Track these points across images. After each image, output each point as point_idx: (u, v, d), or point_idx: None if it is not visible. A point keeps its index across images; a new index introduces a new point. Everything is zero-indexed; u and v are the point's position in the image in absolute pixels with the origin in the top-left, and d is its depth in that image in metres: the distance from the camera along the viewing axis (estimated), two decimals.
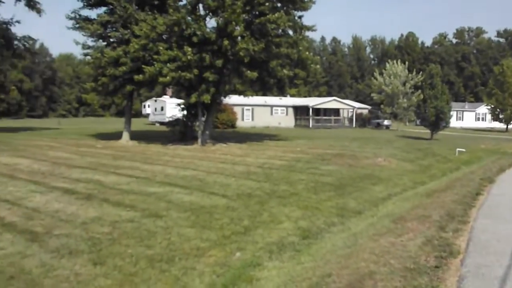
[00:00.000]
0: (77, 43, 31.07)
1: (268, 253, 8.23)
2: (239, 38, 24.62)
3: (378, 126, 59.76)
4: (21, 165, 17.76)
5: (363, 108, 66.24)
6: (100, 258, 7.64)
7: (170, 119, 35.25)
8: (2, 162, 18.88)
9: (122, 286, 6.68)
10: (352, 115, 62.05)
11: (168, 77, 24.36)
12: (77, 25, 30.32)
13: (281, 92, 31.36)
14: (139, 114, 75.14)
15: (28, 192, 12.62)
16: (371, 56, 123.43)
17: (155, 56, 24.79)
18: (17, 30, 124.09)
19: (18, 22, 50.90)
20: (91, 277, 6.88)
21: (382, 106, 59.59)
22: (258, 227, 9.72)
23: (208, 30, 25.02)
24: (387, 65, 59.10)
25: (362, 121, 62.41)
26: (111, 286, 6.63)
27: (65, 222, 9.56)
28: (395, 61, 59.21)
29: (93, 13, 68.63)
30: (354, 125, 60.57)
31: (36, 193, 12.43)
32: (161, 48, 24.64)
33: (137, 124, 44.47)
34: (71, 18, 30.67)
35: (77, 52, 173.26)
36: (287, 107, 59.33)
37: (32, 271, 7.02)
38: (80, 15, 30.65)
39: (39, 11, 48.97)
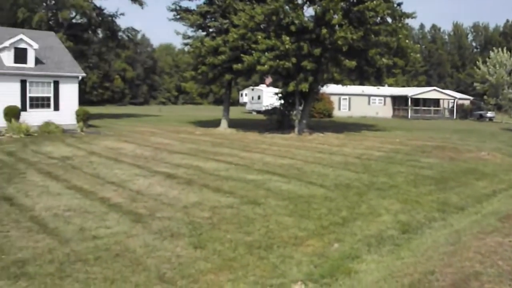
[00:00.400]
0: (177, 33, 32.31)
1: (367, 246, 8.01)
2: (337, 26, 24.23)
3: (481, 118, 56.60)
4: (125, 150, 18.70)
5: (465, 99, 63.10)
6: (200, 242, 7.79)
7: (267, 107, 35.50)
8: (108, 146, 19.98)
9: (221, 270, 6.76)
10: (453, 106, 59.34)
11: (266, 66, 24.50)
12: (178, 16, 31.35)
13: (379, 82, 30.56)
14: (236, 103, 76.45)
15: (132, 175, 13.26)
16: (473, 44, 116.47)
17: (254, 45, 24.99)
18: (121, 22, 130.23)
19: (122, 14, 53.64)
20: (191, 260, 7.02)
21: (485, 97, 56.29)
22: (356, 218, 9.50)
23: (306, 19, 24.85)
24: (491, 53, 55.42)
25: (464, 112, 59.47)
26: (210, 270, 6.73)
27: (167, 206, 9.89)
28: (500, 49, 55.48)
29: (192, 4, 70.44)
30: (454, 117, 57.92)
31: (139, 177, 13.02)
32: (259, 37, 24.79)
33: (235, 112, 45.34)
34: (172, 10, 31.75)
35: (177, 42, 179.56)
36: (385, 96, 57.81)
37: (136, 250, 7.29)
38: (180, 7, 31.64)
39: (141, 4, 51.20)
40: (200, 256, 7.21)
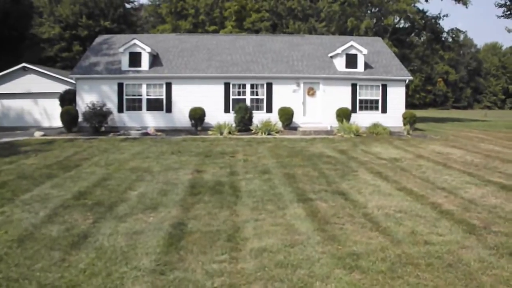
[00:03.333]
0: (509, 30, 29.85)
1: None
2: None
3: None
4: (453, 155, 18.00)
5: None
6: None
7: None
8: (435, 150, 19.58)
9: None
10: None
11: None
12: (508, 12, 29.01)
13: None
14: None
15: (462, 182, 12.60)
16: None
17: None
18: (444, 24, 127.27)
19: (445, 16, 52.18)
20: None
21: None
22: None
23: None
24: None
25: None
26: None
27: (504, 220, 9.02)
28: None
29: None
30: None
31: (471, 185, 12.28)
32: None
33: None
34: (500, 6, 29.50)
35: (504, 40, 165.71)
36: None
37: (470, 264, 6.82)
38: (511, 1, 29.17)
39: (465, 3, 48.99)
40: None
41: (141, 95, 28.33)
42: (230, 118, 27.33)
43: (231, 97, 28.63)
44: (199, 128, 27.10)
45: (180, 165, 15.05)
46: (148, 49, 28.39)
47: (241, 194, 10.93)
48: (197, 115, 26.97)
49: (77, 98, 28.31)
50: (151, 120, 28.19)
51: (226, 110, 28.49)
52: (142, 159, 16.44)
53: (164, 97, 28.44)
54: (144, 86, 28.32)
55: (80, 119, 27.00)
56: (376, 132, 25.89)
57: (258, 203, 10.06)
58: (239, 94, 28.71)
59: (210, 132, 25.80)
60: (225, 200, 10.31)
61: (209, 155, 17.35)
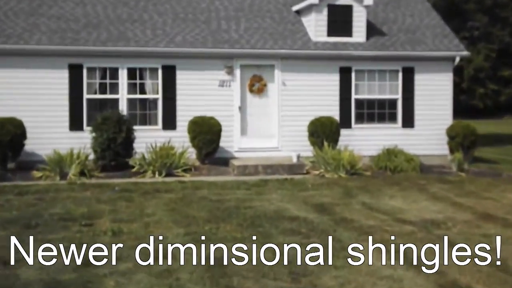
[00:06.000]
0: None
1: None
2: None
3: None
4: None
5: None
6: None
7: None
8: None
9: None
10: None
11: None
12: None
13: None
14: None
15: None
16: None
17: None
18: None
19: None
20: None
21: None
22: None
23: None
24: None
25: None
26: None
27: None
28: None
29: None
30: None
31: None
32: None
33: None
34: None
35: None
36: None
37: None
38: None
39: None
40: None
41: None
42: (83, 142, 27.14)
43: (85, 96, 28.52)
44: (11, 165, 26.65)
45: None
46: None
47: None
48: (8, 137, 26.38)
49: None
50: None
51: (75, 124, 28.32)
52: None
53: None
54: None
55: None
56: (392, 167, 26.15)
57: None
58: (103, 90, 28.66)
59: (37, 174, 25.66)
60: None
61: (33, 225, 16.88)
